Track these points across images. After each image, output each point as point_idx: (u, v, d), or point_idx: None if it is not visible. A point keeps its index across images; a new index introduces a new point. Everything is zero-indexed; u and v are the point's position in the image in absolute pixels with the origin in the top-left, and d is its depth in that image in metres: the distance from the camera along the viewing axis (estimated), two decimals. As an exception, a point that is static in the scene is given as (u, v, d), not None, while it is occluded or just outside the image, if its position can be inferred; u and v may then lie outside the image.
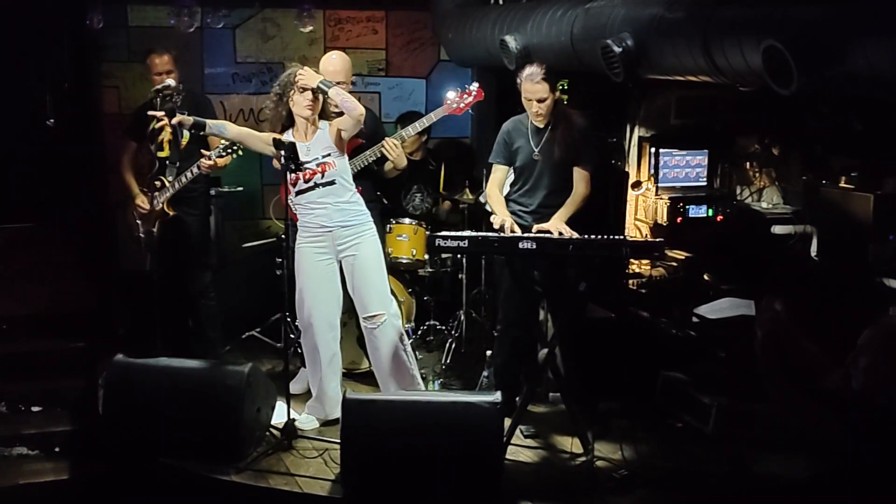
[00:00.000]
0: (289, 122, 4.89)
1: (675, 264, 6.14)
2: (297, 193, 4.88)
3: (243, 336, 6.23)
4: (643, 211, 6.49)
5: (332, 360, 5.02)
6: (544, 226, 4.79)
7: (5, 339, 5.67)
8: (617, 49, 4.38)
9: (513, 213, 5.01)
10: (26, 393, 5.38)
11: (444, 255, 6.21)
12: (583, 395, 4.87)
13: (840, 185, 5.69)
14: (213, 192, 6.02)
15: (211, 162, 5.22)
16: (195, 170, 5.30)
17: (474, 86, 5.43)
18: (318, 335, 4.97)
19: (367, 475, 4.28)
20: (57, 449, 5.12)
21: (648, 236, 6.36)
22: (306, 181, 4.82)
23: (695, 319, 5.48)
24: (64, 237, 6.35)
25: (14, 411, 5.35)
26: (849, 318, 4.58)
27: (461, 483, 4.19)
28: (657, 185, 6.39)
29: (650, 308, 5.74)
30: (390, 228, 5.89)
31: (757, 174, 6.58)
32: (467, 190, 6.12)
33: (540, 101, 4.85)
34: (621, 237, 4.68)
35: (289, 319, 5.48)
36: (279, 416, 4.92)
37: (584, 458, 4.69)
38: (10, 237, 6.39)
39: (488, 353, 5.62)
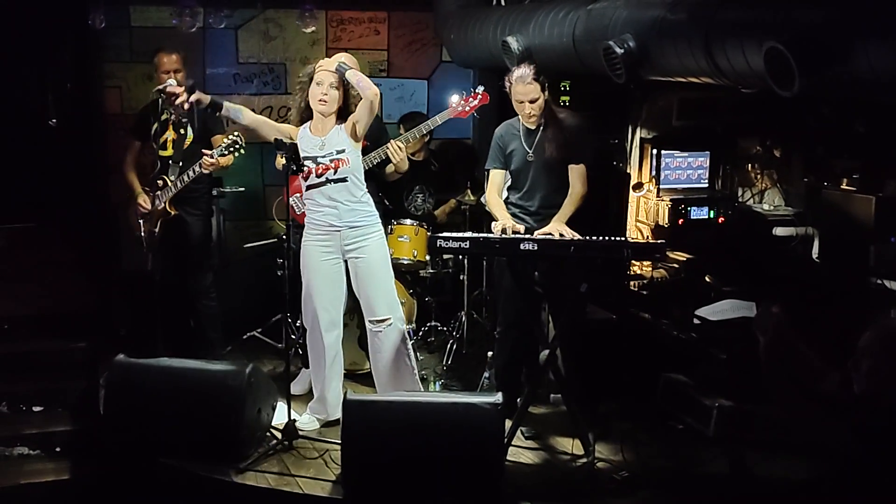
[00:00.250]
0: (307, 114, 4.87)
1: (676, 266, 6.13)
2: (308, 188, 4.85)
3: (244, 336, 6.23)
4: (644, 212, 6.49)
5: (335, 360, 5.02)
6: (545, 230, 4.79)
7: (6, 339, 5.67)
8: (619, 50, 4.38)
9: (513, 216, 5.01)
10: (27, 393, 5.38)
11: (445, 256, 6.21)
12: (584, 396, 4.87)
13: (842, 187, 5.69)
14: (214, 192, 6.03)
15: (213, 161, 5.22)
16: (197, 169, 5.30)
17: (480, 89, 5.44)
18: (322, 335, 4.95)
19: (368, 476, 4.28)
20: (58, 449, 5.13)
21: (650, 238, 6.36)
22: (318, 175, 4.78)
23: (696, 321, 5.47)
24: (65, 237, 6.36)
25: (15, 411, 5.35)
26: (850, 320, 4.57)
27: (462, 484, 4.19)
28: (659, 186, 6.38)
29: (651, 309, 5.74)
30: (392, 229, 5.90)
31: (758, 176, 6.58)
32: (469, 191, 6.13)
33: (532, 101, 4.85)
34: (622, 238, 4.68)
35: (290, 320, 5.49)
36: (280, 416, 4.92)
37: (584, 460, 4.69)
38: (11, 237, 6.41)
39: (489, 354, 5.62)
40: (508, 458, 4.58)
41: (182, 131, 5.50)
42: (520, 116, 4.98)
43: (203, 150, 5.27)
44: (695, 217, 6.27)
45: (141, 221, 5.56)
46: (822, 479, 4.34)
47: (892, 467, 3.22)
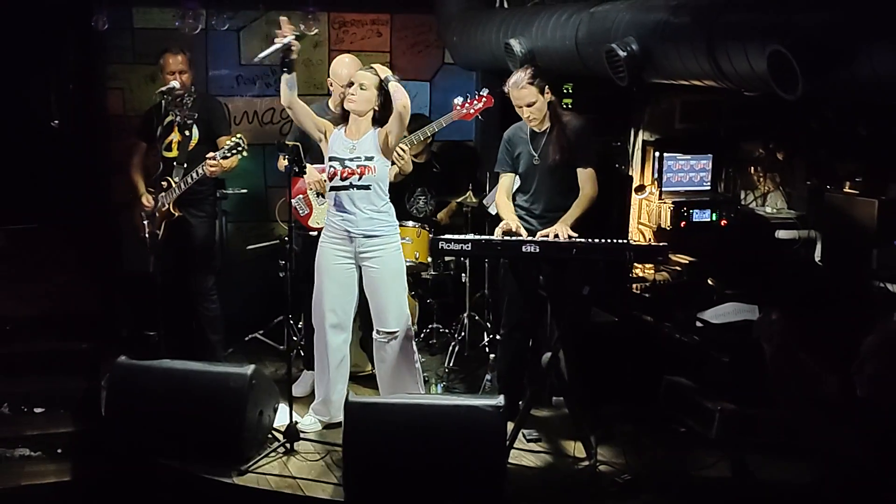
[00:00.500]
0: (345, 116, 4.86)
1: (678, 269, 6.13)
2: (331, 189, 4.84)
3: (246, 338, 6.23)
4: (647, 215, 6.48)
5: (341, 363, 5.00)
6: (548, 230, 4.78)
7: (8, 340, 5.67)
8: (622, 53, 4.37)
9: (520, 218, 5.02)
10: (29, 394, 5.38)
11: (447, 258, 6.21)
12: (586, 399, 4.86)
13: (844, 190, 5.68)
14: (217, 193, 6.03)
15: (216, 163, 5.22)
16: (201, 170, 5.30)
17: (484, 91, 5.44)
18: (329, 337, 4.94)
19: (370, 478, 4.27)
20: (59, 450, 5.13)
21: (652, 240, 6.35)
22: (342, 179, 4.76)
23: (698, 324, 5.46)
24: (68, 238, 6.36)
25: (17, 412, 5.35)
26: (852, 323, 4.56)
27: (464, 487, 4.18)
28: (661, 189, 6.38)
29: (653, 312, 5.73)
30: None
31: (761, 179, 6.57)
32: (470, 193, 6.12)
33: (528, 105, 4.86)
34: (625, 241, 4.67)
35: (291, 322, 5.49)
36: (281, 418, 4.92)
37: (587, 463, 4.68)
38: (14, 238, 6.41)
39: (491, 356, 5.61)
40: (510, 460, 4.57)
41: (187, 133, 5.49)
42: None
43: (206, 155, 5.27)
44: (697, 220, 6.25)
45: (145, 222, 5.55)
46: (824, 483, 4.33)
47: (894, 470, 3.22)
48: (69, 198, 6.40)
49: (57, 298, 6.01)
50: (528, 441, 4.94)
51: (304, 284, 5.50)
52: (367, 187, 4.76)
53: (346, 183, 4.76)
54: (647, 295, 6.06)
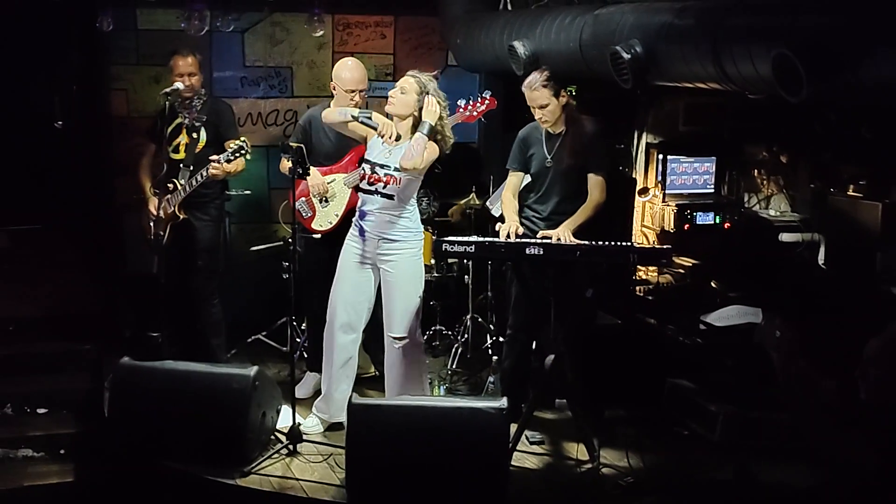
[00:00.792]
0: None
1: (682, 271, 6.13)
2: (358, 189, 4.86)
3: (249, 340, 6.23)
4: (650, 218, 6.48)
5: (347, 363, 4.99)
6: (549, 233, 4.78)
7: (11, 341, 5.68)
8: (626, 55, 4.37)
9: (527, 218, 5.01)
10: (32, 395, 5.38)
11: (450, 260, 6.20)
12: (589, 401, 4.86)
13: (848, 193, 5.67)
14: (224, 197, 6.00)
15: (218, 167, 5.22)
16: (205, 173, 5.30)
17: (487, 94, 5.44)
18: (337, 334, 4.94)
19: (372, 480, 4.27)
20: (62, 451, 5.12)
21: (655, 243, 6.34)
22: (369, 184, 4.76)
23: (702, 327, 5.46)
24: (71, 239, 6.35)
25: (20, 413, 5.35)
26: (856, 327, 4.56)
27: (466, 489, 4.18)
28: (664, 191, 6.37)
29: (657, 315, 5.73)
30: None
31: (765, 182, 6.56)
32: (474, 195, 6.12)
33: (541, 107, 4.85)
34: (628, 244, 4.67)
35: (295, 323, 5.49)
36: (284, 420, 4.92)
37: (589, 465, 4.68)
38: (17, 239, 6.41)
39: (494, 358, 5.61)
40: (513, 463, 4.57)
41: (195, 135, 5.49)
42: None
43: (210, 157, 5.27)
44: (701, 222, 6.25)
45: (151, 224, 5.54)
46: (827, 486, 4.33)
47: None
48: (73, 199, 6.40)
49: (60, 299, 6.01)
50: (531, 443, 4.94)
51: (307, 286, 5.51)
52: (390, 196, 4.75)
53: (372, 188, 4.77)
54: (650, 297, 6.06)
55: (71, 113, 6.60)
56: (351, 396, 4.45)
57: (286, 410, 4.92)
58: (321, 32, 6.55)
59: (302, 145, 4.84)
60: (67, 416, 5.33)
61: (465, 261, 6.12)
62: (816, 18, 3.34)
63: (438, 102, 4.69)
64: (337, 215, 5.38)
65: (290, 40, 6.79)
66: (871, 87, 3.19)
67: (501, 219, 5.09)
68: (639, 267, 6.18)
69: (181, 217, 5.47)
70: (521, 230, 4.84)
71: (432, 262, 6.04)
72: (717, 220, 6.29)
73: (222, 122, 5.59)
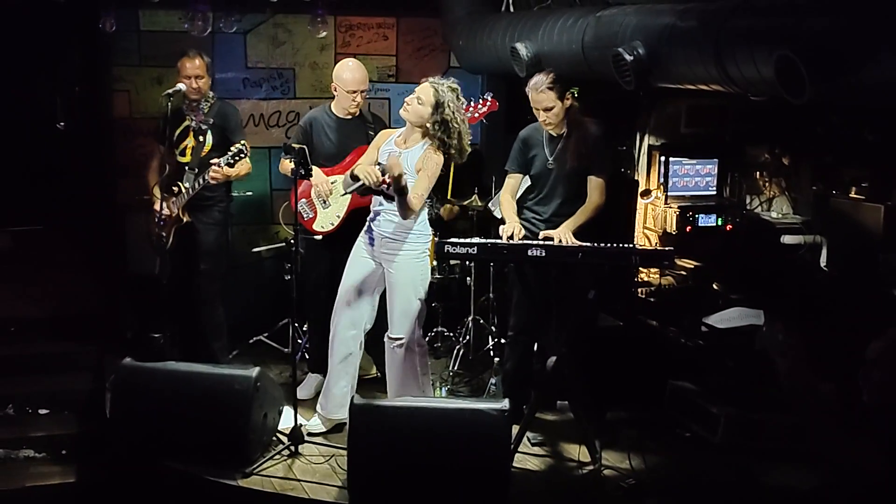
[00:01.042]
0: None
1: (684, 273, 6.12)
2: (368, 191, 4.86)
3: (251, 341, 6.23)
4: (652, 219, 6.48)
5: (347, 359, 4.99)
6: (550, 233, 4.78)
7: (13, 341, 5.69)
8: (628, 57, 4.37)
9: (527, 220, 5.01)
10: (33, 395, 5.39)
11: (452, 262, 6.20)
12: (591, 403, 4.85)
13: (850, 195, 5.67)
14: (229, 200, 6.00)
15: (219, 170, 5.22)
16: (206, 177, 5.30)
17: (489, 95, 5.44)
18: (339, 329, 4.95)
19: (374, 481, 4.27)
20: (64, 452, 5.13)
21: (657, 245, 6.34)
22: (377, 185, 4.75)
23: (704, 329, 5.46)
24: (73, 240, 6.37)
25: (21, 413, 5.36)
26: (858, 329, 4.55)
27: (468, 490, 4.18)
28: (667, 193, 6.37)
29: (659, 317, 5.73)
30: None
31: (767, 184, 6.56)
32: (476, 196, 6.12)
33: (546, 109, 4.84)
34: (630, 245, 4.67)
35: (296, 325, 5.48)
36: (286, 421, 4.92)
37: (591, 467, 4.68)
38: (19, 239, 6.42)
39: (496, 360, 5.60)
40: (515, 464, 4.57)
41: (201, 138, 5.49)
42: None
43: (210, 161, 5.27)
44: (703, 224, 6.25)
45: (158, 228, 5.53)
46: (829, 489, 4.33)
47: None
48: (75, 199, 6.41)
49: (62, 300, 6.02)
50: (533, 445, 4.94)
51: (308, 287, 5.51)
52: (393, 199, 4.76)
53: (379, 189, 4.78)
54: (652, 299, 6.05)
55: (73, 114, 6.63)
56: (353, 397, 4.44)
57: (288, 411, 4.92)
58: (323, 34, 6.55)
59: (304, 146, 4.84)
60: (69, 416, 5.34)
61: (467, 262, 6.12)
62: (819, 20, 3.34)
63: (454, 113, 4.68)
64: (338, 217, 5.38)
65: (292, 42, 6.80)
66: (874, 88, 3.19)
67: (503, 221, 5.09)
68: (641, 269, 6.17)
69: (185, 220, 5.47)
70: (522, 231, 4.84)
71: (434, 263, 6.03)
72: (720, 222, 6.29)
73: (229, 126, 5.58)
